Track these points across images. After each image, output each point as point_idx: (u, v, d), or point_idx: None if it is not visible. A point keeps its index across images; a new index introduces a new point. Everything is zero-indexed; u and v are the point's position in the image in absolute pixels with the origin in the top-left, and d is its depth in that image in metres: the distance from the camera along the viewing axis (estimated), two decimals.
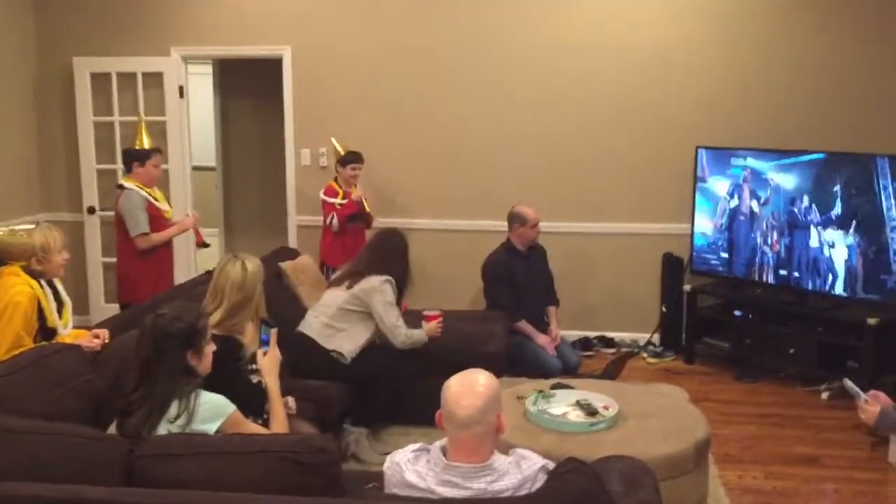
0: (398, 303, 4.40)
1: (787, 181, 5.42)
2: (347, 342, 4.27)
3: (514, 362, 5.15)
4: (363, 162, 5.83)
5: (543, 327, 5.59)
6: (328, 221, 5.68)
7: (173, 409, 2.49)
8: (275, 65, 6.40)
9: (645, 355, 5.96)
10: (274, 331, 3.12)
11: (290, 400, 3.27)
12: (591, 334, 6.17)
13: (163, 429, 2.46)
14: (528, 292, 5.57)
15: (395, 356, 4.32)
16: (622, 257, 6.14)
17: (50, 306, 3.40)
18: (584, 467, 2.24)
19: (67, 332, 3.49)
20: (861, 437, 4.55)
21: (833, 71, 5.74)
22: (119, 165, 6.36)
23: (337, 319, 4.29)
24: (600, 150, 6.08)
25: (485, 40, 6.09)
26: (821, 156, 5.27)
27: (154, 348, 2.55)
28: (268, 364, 3.04)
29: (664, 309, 6.06)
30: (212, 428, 2.51)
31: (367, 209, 5.83)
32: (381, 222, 5.77)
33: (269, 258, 4.85)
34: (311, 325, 4.34)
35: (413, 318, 4.61)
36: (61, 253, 3.50)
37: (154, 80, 6.35)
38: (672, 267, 6.03)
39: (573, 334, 6.01)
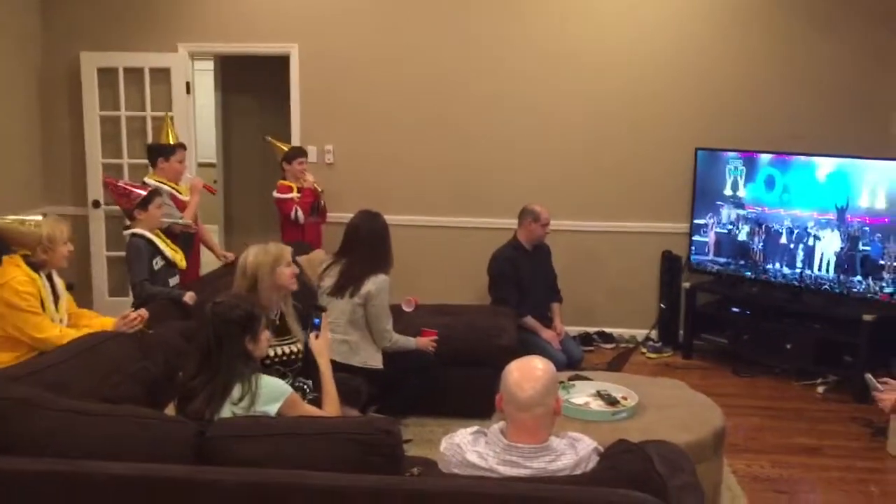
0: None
1: (784, 182, 5.61)
2: (371, 352, 4.29)
3: (521, 357, 5.24)
4: (307, 155, 6.04)
5: (546, 323, 5.70)
6: (293, 216, 5.76)
7: (236, 391, 2.58)
8: (277, 62, 6.46)
9: (644, 350, 6.12)
10: (325, 315, 3.22)
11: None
12: (591, 330, 6.33)
13: (226, 411, 2.55)
14: (533, 289, 5.68)
15: (417, 351, 4.41)
16: (622, 255, 6.30)
17: (49, 298, 3.46)
18: (635, 448, 2.36)
19: (64, 324, 3.54)
20: (859, 429, 4.74)
21: (826, 78, 5.95)
22: (126, 160, 6.43)
23: (350, 333, 4.25)
24: (601, 152, 6.23)
25: (489, 42, 6.20)
26: (818, 157, 5.47)
27: (215, 334, 2.63)
28: (319, 346, 3.15)
29: (662, 305, 6.22)
30: (273, 409, 2.60)
31: (322, 200, 5.93)
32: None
33: None
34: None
35: (419, 316, 4.70)
36: (66, 245, 3.56)
37: (161, 75, 6.39)
38: (671, 265, 6.19)
39: (574, 329, 6.14)
